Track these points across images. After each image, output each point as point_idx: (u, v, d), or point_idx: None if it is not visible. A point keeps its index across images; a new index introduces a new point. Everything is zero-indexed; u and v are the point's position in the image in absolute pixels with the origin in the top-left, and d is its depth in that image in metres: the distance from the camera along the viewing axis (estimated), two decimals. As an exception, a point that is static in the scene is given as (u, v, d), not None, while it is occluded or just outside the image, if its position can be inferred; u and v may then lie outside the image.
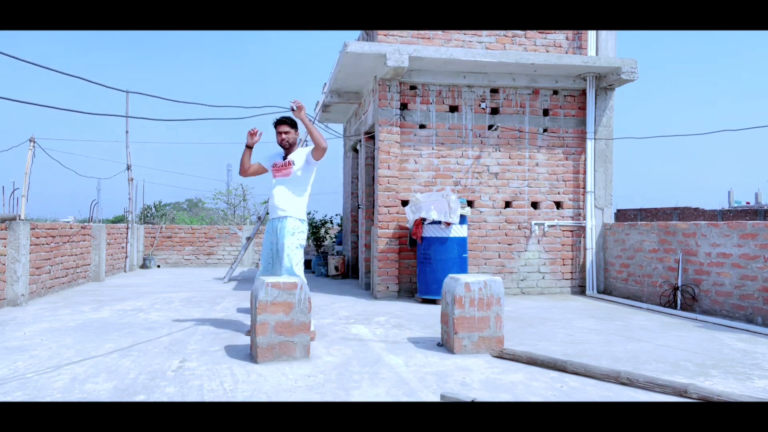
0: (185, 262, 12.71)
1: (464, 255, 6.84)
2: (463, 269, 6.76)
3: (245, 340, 4.55)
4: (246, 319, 5.49)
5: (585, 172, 7.79)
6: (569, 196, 7.80)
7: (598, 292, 7.70)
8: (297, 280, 3.94)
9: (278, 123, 4.80)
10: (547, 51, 7.70)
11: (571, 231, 7.80)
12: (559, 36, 7.79)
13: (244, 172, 4.92)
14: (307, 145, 9.36)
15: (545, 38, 7.75)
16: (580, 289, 7.76)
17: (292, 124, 4.81)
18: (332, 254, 10.62)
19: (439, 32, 7.43)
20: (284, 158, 4.79)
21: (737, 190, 49.41)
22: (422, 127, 7.47)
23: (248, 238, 10.31)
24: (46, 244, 7.32)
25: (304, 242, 4.78)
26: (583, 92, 7.75)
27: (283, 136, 4.76)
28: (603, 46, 7.77)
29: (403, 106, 7.41)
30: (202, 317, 5.67)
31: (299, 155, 4.79)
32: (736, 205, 32.25)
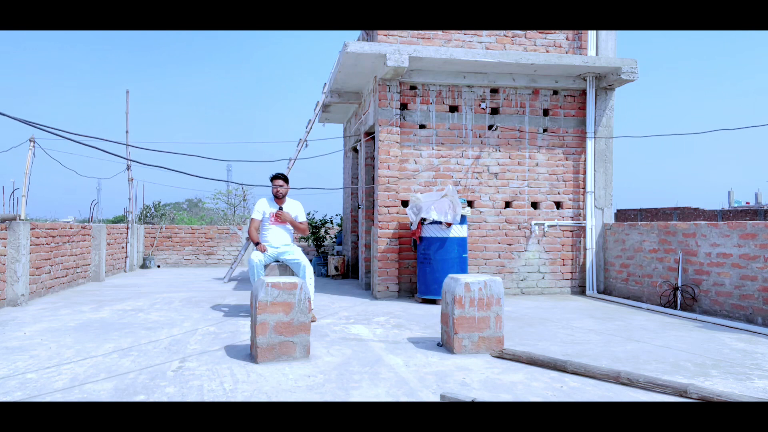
0: (185, 262, 12.71)
1: (464, 255, 6.84)
2: (463, 269, 6.76)
3: (245, 339, 4.55)
4: (246, 320, 5.49)
5: (585, 172, 7.79)
6: (569, 196, 7.80)
7: (598, 292, 7.70)
8: (297, 281, 3.94)
9: (275, 177, 5.84)
10: (547, 51, 7.70)
11: (571, 231, 7.80)
12: (559, 36, 7.79)
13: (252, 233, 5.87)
14: (307, 146, 9.36)
15: (545, 38, 7.75)
16: (580, 289, 7.76)
17: (286, 180, 5.88)
18: (332, 254, 10.62)
19: (439, 32, 7.43)
20: (280, 208, 5.83)
21: (737, 190, 49.44)
22: (422, 127, 7.47)
23: (248, 238, 10.31)
24: (46, 244, 7.32)
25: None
26: (583, 92, 7.75)
27: (278, 188, 5.82)
28: (603, 46, 7.77)
29: (403, 106, 7.41)
30: (202, 317, 5.67)
31: (292, 210, 5.89)
32: (736, 205, 32.26)
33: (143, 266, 12.15)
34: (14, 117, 3.59)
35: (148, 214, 14.43)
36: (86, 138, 4.11)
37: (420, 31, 7.33)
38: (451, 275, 4.36)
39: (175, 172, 4.44)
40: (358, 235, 9.46)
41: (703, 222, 6.31)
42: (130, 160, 4.67)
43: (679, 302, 6.30)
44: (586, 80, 7.63)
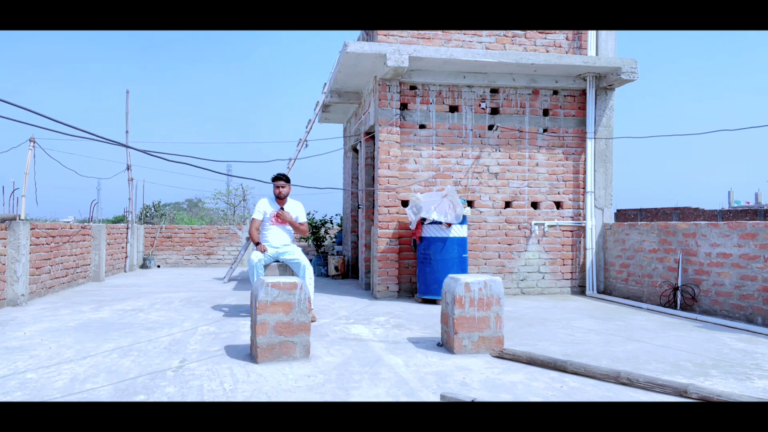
0: (185, 262, 12.71)
1: (464, 255, 6.84)
2: (463, 269, 6.76)
3: (245, 340, 4.55)
4: (246, 320, 5.49)
5: (585, 172, 7.79)
6: (569, 196, 7.80)
7: (598, 292, 7.70)
8: (297, 281, 3.94)
9: (276, 179, 5.83)
10: (547, 51, 7.70)
11: (571, 231, 7.80)
12: (559, 36, 7.79)
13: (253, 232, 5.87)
14: (307, 146, 9.36)
15: (545, 38, 7.75)
16: (580, 289, 7.76)
17: (287, 180, 5.87)
18: (332, 254, 10.62)
19: (439, 32, 7.43)
20: (281, 209, 5.81)
21: (737, 190, 49.50)
22: (422, 127, 7.47)
23: (248, 238, 10.31)
24: (46, 244, 7.32)
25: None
26: (583, 92, 7.75)
27: (280, 189, 5.81)
28: (603, 46, 7.77)
29: (403, 106, 7.41)
30: (202, 317, 5.67)
31: (293, 211, 5.87)
32: (736, 205, 32.26)
33: (143, 266, 12.15)
34: (15, 104, 3.59)
35: (148, 214, 14.43)
36: (86, 134, 4.11)
37: (420, 31, 7.33)
38: (451, 275, 4.36)
39: (178, 163, 4.45)
40: (358, 235, 9.46)
41: (703, 222, 6.31)
42: (132, 147, 4.64)
43: (679, 302, 6.30)
44: (586, 80, 7.63)
